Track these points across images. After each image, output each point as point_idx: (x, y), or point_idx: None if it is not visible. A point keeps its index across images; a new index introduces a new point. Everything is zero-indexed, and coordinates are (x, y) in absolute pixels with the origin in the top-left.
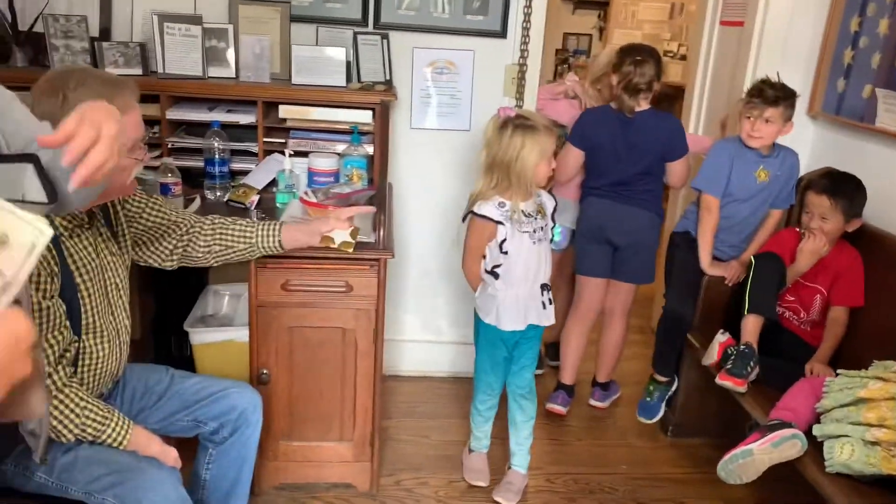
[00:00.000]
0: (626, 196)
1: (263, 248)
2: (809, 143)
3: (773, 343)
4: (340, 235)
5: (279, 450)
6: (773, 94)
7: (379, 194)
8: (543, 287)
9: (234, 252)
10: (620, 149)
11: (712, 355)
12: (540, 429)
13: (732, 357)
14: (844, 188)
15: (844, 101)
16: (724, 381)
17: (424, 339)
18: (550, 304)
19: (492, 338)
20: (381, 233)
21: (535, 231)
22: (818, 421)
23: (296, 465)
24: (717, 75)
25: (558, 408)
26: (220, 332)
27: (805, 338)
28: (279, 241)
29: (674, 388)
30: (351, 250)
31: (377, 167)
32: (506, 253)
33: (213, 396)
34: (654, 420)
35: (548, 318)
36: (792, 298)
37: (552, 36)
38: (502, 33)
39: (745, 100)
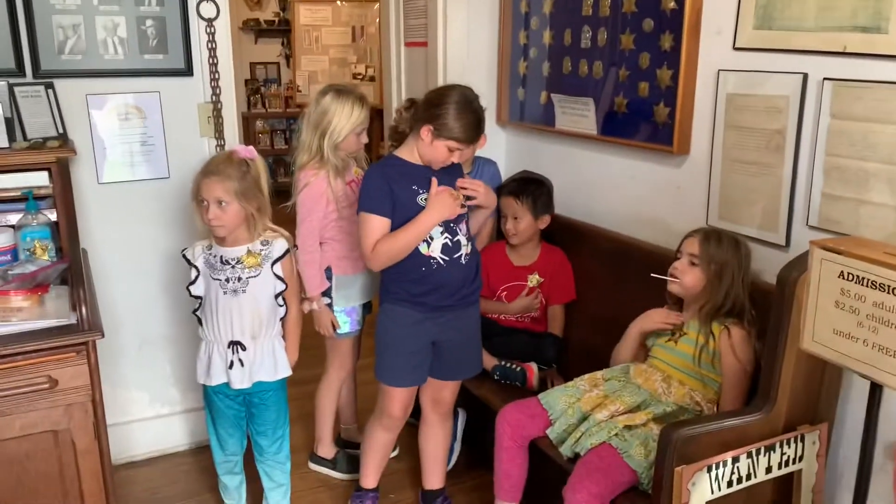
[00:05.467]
0: None
1: None
2: (503, 149)
3: (499, 343)
4: None
5: None
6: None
7: (73, 266)
8: (233, 344)
9: None
10: None
11: None
12: (301, 480)
13: None
14: (527, 188)
15: (526, 108)
16: None
17: (156, 415)
18: (242, 365)
19: (208, 391)
20: (84, 311)
21: (227, 280)
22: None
23: None
24: (411, 93)
25: None
26: None
27: (526, 327)
28: None
29: (461, 420)
30: None
31: (64, 235)
32: (198, 298)
33: None
34: (451, 463)
35: (240, 380)
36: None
37: (238, 67)
38: (188, 71)
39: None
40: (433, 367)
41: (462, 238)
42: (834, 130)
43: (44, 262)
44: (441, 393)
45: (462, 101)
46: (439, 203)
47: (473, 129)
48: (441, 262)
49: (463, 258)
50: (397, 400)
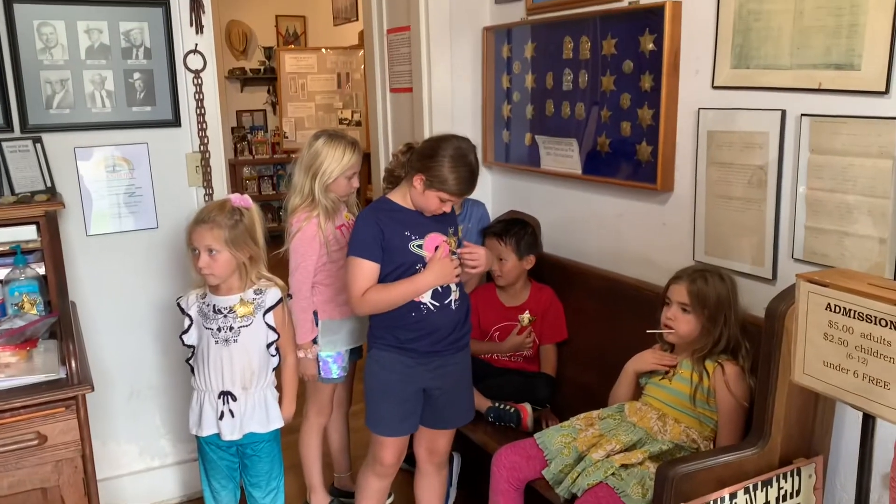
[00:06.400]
0: None
1: None
2: (490, 190)
3: (493, 384)
4: None
5: None
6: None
7: (61, 320)
8: (224, 394)
9: None
10: None
11: None
12: None
13: None
14: (511, 230)
15: (511, 150)
16: None
17: (146, 468)
18: (232, 416)
19: (201, 442)
20: (73, 364)
21: (218, 329)
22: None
23: None
24: (398, 137)
25: None
26: None
27: (519, 368)
28: None
29: (455, 464)
30: None
31: (53, 288)
32: (191, 347)
33: None
34: None
35: (230, 431)
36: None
37: (225, 115)
38: (176, 122)
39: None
40: (426, 416)
41: (451, 283)
42: (814, 165)
43: (32, 317)
44: (436, 443)
45: (456, 154)
46: (440, 269)
47: (466, 183)
48: (431, 307)
49: (453, 303)
50: (389, 448)
